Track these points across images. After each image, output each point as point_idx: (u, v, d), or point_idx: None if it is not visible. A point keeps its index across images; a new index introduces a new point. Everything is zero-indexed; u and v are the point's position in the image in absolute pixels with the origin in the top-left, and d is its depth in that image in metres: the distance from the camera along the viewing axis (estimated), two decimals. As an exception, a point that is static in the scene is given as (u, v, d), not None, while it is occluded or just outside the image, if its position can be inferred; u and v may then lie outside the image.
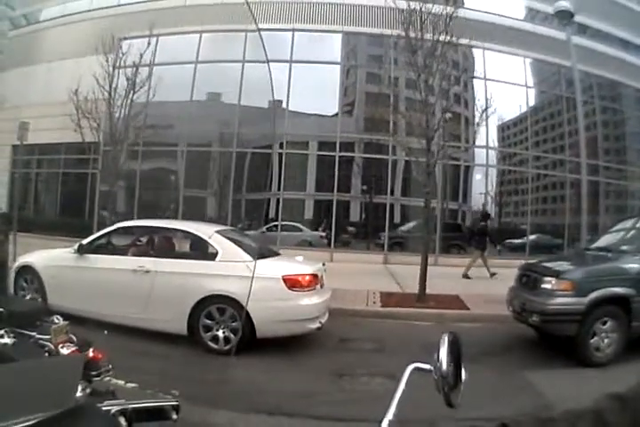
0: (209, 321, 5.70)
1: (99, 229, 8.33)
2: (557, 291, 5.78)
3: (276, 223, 16.00)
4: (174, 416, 1.30)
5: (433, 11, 8.72)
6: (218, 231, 6.47)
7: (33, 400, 0.99)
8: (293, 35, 16.23)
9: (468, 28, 9.57)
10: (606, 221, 15.57)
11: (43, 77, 18.11)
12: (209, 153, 17.48)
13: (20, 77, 18.84)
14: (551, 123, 17.91)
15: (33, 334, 2.30)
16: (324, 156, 16.54)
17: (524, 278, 6.57)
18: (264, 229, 16.05)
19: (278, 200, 16.35)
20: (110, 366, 2.02)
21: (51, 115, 14.87)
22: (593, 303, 5.60)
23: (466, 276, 11.58)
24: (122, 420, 1.21)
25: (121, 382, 1.80)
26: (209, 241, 6.20)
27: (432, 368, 1.07)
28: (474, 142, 15.26)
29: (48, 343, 2.26)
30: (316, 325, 5.83)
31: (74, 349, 2.25)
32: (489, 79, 15.90)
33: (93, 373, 1.86)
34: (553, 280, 5.87)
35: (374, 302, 8.47)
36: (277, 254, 7.00)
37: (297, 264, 6.36)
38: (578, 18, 12.92)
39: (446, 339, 1.09)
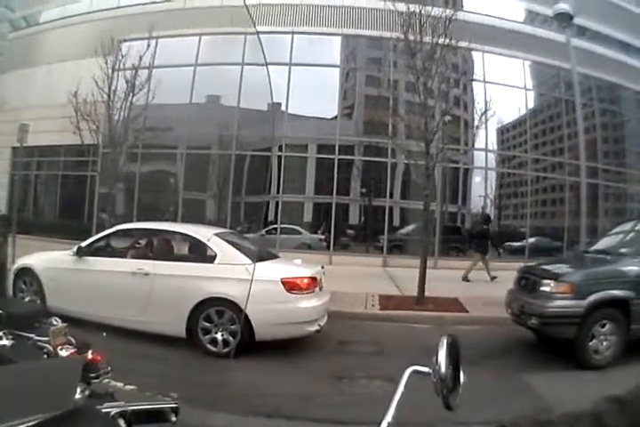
0: (208, 324, 5.69)
1: (98, 232, 8.32)
2: (556, 293, 5.78)
3: (275, 226, 15.97)
4: (173, 419, 1.30)
5: (432, 13, 8.74)
6: (217, 234, 6.47)
7: (32, 402, 0.99)
8: (292, 37, 16.23)
9: (467, 31, 9.56)
10: (605, 223, 15.56)
11: (42, 79, 18.10)
12: (208, 156, 17.44)
13: (19, 79, 18.82)
14: (550, 125, 17.91)
15: (32, 335, 2.29)
16: (323, 158, 16.50)
17: (523, 281, 6.57)
18: (263, 231, 16.02)
19: (277, 203, 16.33)
20: (109, 369, 2.01)
21: (50, 117, 14.85)
22: (592, 306, 5.60)
23: (465, 279, 11.58)
24: (121, 422, 1.21)
25: (120, 385, 1.80)
26: (208, 244, 6.20)
27: (431, 371, 1.08)
28: (473, 145, 15.23)
29: (47, 345, 2.25)
30: (314, 327, 5.83)
31: (73, 351, 2.24)
32: (488, 82, 15.89)
33: (92, 375, 1.85)
34: (552, 283, 5.87)
35: (373, 305, 8.46)
36: (276, 257, 6.98)
37: (296, 267, 6.37)
38: (577, 20, 12.97)
39: (445, 342, 1.09)
